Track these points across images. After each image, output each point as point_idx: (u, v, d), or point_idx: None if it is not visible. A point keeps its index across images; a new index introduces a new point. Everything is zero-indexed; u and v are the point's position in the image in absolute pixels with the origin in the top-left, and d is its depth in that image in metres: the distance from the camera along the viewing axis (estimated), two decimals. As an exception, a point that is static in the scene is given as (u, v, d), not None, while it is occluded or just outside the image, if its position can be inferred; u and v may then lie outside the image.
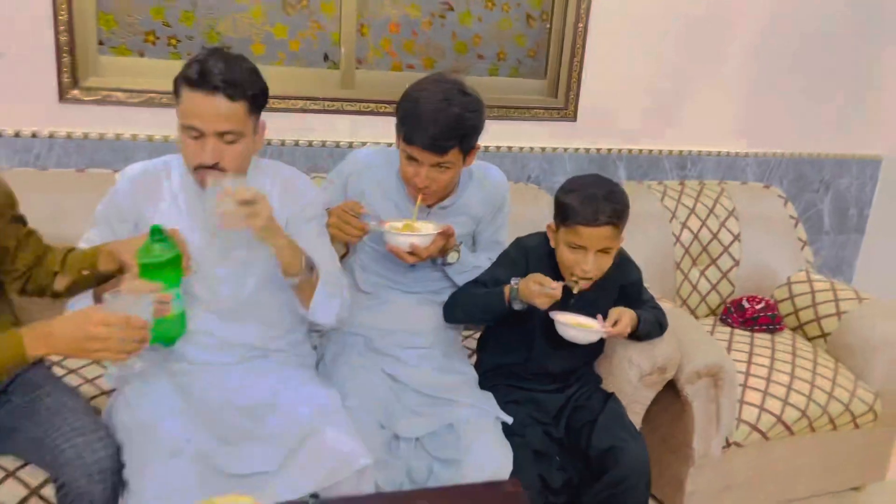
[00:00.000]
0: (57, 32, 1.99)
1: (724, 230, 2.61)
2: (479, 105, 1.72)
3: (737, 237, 2.62)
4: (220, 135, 1.48)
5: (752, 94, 2.81)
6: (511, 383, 1.86)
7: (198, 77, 1.45)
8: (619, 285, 1.87)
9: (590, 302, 1.80)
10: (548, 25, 2.55)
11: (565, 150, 2.60)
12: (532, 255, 1.83)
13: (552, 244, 1.79)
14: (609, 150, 2.67)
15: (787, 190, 2.94)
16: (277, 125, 2.23)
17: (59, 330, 1.28)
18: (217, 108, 1.46)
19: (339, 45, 2.31)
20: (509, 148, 2.53)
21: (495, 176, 1.94)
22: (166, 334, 1.45)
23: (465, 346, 2.08)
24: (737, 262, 2.61)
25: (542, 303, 1.68)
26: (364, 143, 2.31)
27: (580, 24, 2.49)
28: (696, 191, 2.67)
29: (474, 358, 2.00)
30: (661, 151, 2.75)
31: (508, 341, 1.88)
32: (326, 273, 1.64)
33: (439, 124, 1.64)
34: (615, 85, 2.61)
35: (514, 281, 1.74)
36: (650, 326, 1.87)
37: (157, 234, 1.40)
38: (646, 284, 2.19)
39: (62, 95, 2.04)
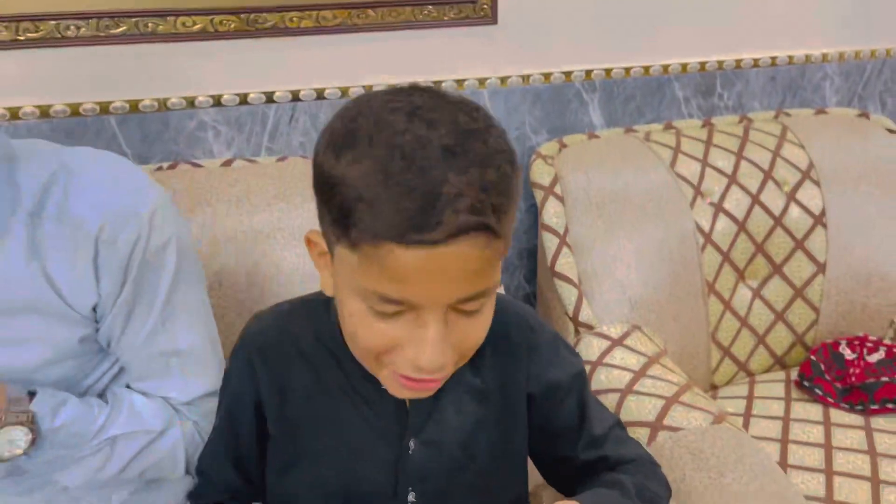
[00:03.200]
0: None
1: (794, 207, 1.39)
2: None
3: (819, 218, 1.39)
4: None
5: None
6: None
7: None
8: (527, 395, 0.71)
9: (457, 447, 0.70)
10: None
11: (481, 81, 1.37)
12: (274, 355, 0.69)
13: (326, 289, 0.62)
14: (568, 72, 1.42)
15: (895, 118, 1.68)
16: None
17: None
18: None
19: None
20: (320, 92, 1.29)
21: (102, 180, 0.73)
22: None
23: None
24: (821, 267, 1.39)
25: None
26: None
27: None
28: (736, 135, 1.43)
29: None
30: (665, 67, 1.50)
31: None
32: None
33: None
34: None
35: None
36: None
37: None
38: (632, 347, 1.07)
39: None
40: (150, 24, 1.13)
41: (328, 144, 0.56)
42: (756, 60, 1.55)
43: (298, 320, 0.70)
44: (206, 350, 0.77)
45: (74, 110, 1.15)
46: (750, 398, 1.33)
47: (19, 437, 0.66)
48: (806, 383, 1.30)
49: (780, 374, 1.39)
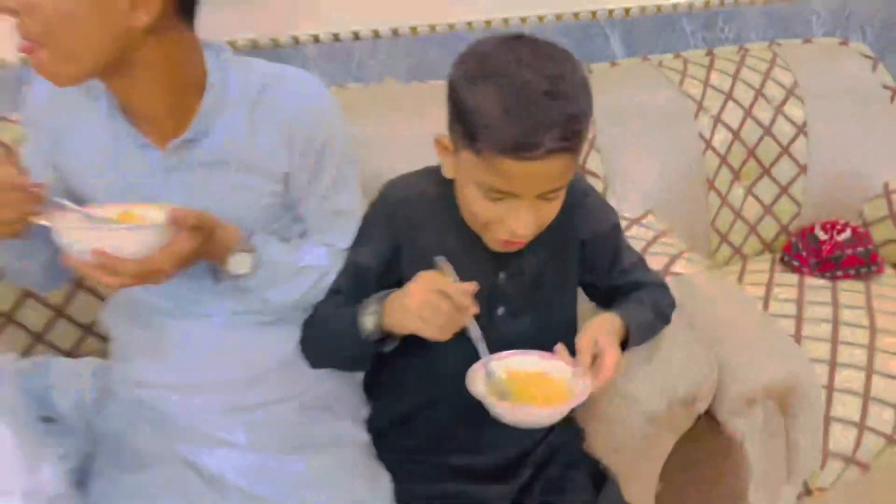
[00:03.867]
0: None
1: (781, 119, 1.69)
2: None
3: (802, 129, 1.69)
4: None
5: None
6: (419, 457, 1.06)
7: None
8: (580, 240, 1.04)
9: (532, 282, 1.01)
10: None
11: (523, 19, 1.67)
12: (412, 213, 1.00)
13: (448, 174, 0.94)
14: (594, 12, 1.72)
15: (873, 46, 1.95)
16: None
17: None
18: None
19: None
20: (395, 31, 1.60)
21: (299, 84, 1.04)
22: None
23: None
24: (803, 169, 1.70)
25: (427, 325, 0.89)
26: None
27: None
28: (733, 62, 1.72)
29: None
30: (675, 6, 1.79)
31: (405, 379, 1.06)
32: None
33: None
34: None
35: (374, 298, 0.95)
36: (645, 328, 1.04)
37: None
38: (646, 225, 1.37)
39: None
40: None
41: (463, 76, 0.85)
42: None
43: (426, 183, 1.00)
44: (359, 211, 1.10)
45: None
46: (742, 273, 1.65)
47: (247, 260, 1.00)
48: (785, 259, 1.63)
49: (767, 256, 1.71)
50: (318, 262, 1.07)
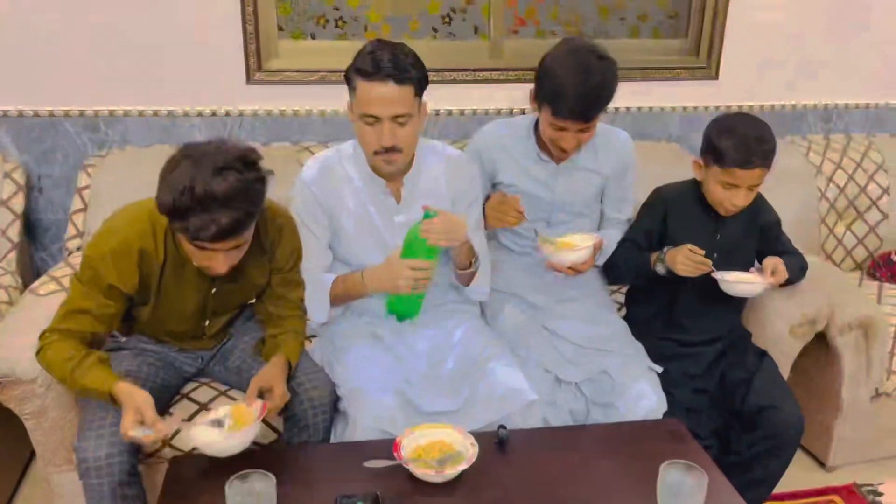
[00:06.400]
0: (244, 22, 2.24)
1: (872, 184, 2.59)
2: (615, 68, 1.81)
3: (885, 190, 2.59)
4: (394, 118, 1.63)
5: (904, 42, 2.74)
6: (662, 336, 1.98)
7: (372, 68, 1.59)
8: (759, 226, 1.97)
9: (734, 242, 1.93)
10: (690, -15, 2.58)
11: (706, 108, 2.64)
12: (672, 202, 1.96)
13: (699, 177, 1.90)
14: (751, 106, 2.68)
15: (942, 140, 2.83)
16: (431, 96, 2.40)
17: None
18: (390, 94, 1.60)
19: (488, 18, 2.45)
20: (650, 108, 2.60)
21: (622, 138, 2.03)
22: (406, 309, 1.73)
23: (612, 299, 2.22)
24: (885, 216, 2.59)
25: (686, 271, 1.82)
26: (512, 111, 2.45)
27: (723, -18, 2.51)
28: (842, 145, 2.64)
29: (622, 311, 2.15)
30: (805, 105, 2.73)
31: (655, 294, 2.00)
32: (483, 257, 1.85)
33: (587, 98, 1.75)
34: (758, 42, 2.61)
35: (663, 251, 1.89)
36: (795, 273, 1.95)
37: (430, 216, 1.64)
38: (788, 236, 2.25)
39: (249, 77, 2.30)
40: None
41: (715, 131, 1.83)
42: (857, 104, 2.76)
43: (684, 188, 1.96)
44: (632, 200, 2.09)
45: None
46: (840, 279, 2.53)
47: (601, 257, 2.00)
48: (870, 273, 2.52)
49: (857, 273, 2.59)
50: (618, 237, 2.04)
